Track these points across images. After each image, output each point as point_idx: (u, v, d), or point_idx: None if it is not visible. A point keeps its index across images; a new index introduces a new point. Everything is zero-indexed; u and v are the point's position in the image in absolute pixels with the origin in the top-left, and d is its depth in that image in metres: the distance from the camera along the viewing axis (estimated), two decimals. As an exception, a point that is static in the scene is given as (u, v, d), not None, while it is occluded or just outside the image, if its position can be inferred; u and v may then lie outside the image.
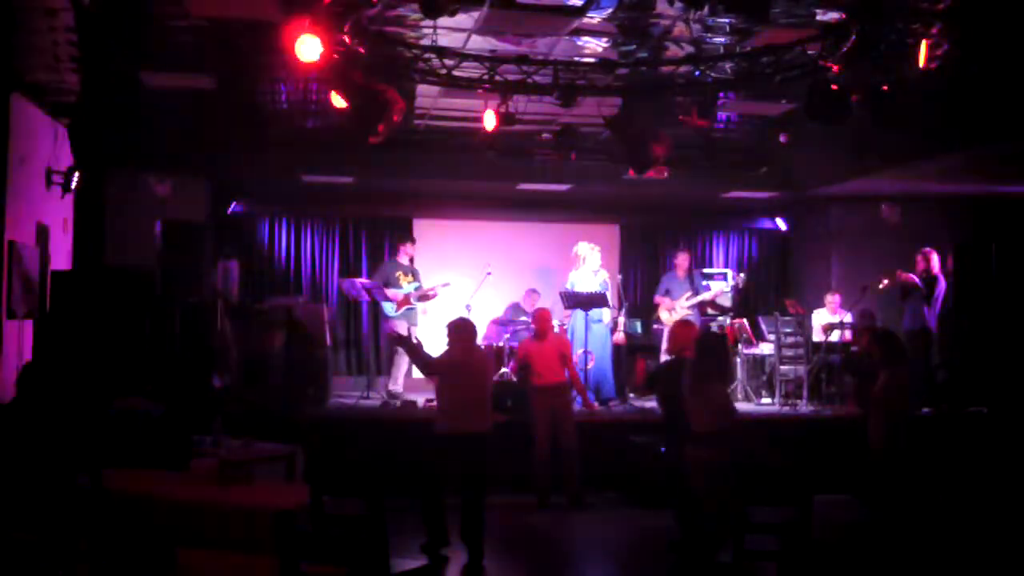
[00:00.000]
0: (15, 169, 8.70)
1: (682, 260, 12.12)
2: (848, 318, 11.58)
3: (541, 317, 9.35)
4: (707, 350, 6.88)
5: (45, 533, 4.03)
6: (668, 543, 7.36)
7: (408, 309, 11.08)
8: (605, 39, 8.25)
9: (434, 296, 11.33)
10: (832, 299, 12.12)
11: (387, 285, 11.06)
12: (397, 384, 11.04)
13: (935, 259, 11.08)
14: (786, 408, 11.15)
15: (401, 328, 11.02)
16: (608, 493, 9.40)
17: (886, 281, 11.13)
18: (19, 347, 8.87)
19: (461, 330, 7.49)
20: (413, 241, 11.75)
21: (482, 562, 7.08)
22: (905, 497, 6.12)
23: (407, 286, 11.11)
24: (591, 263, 11.30)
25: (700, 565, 6.62)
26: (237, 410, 9.15)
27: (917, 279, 10.98)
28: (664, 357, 11.79)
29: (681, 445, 6.78)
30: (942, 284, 11.07)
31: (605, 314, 11.24)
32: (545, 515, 8.82)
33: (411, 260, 11.48)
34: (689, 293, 11.73)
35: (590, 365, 10.74)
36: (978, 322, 12.08)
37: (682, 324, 8.40)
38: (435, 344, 12.72)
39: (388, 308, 11.04)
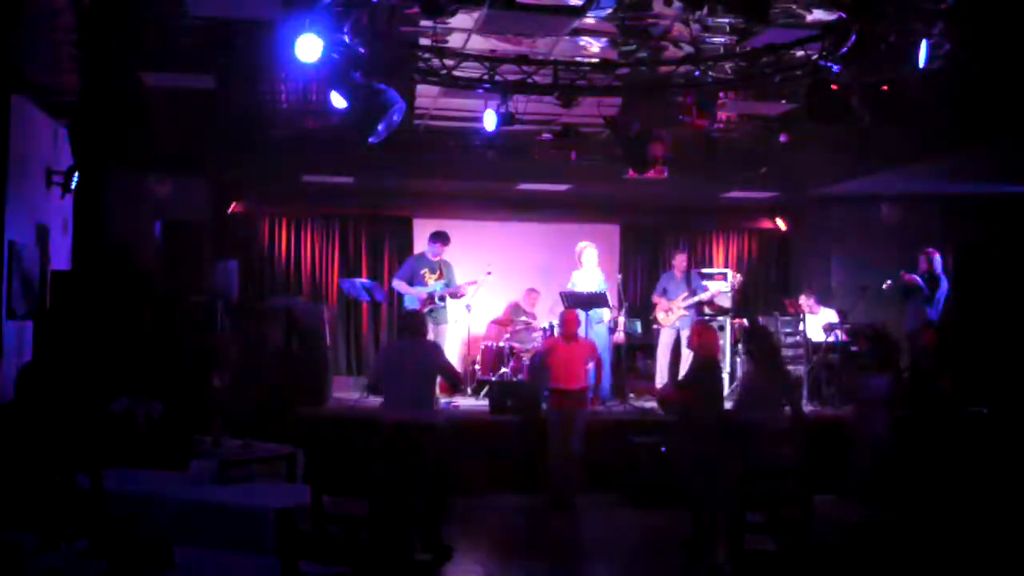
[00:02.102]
0: (15, 169, 8.70)
1: (680, 260, 12.11)
2: (834, 315, 11.61)
3: (570, 320, 9.27)
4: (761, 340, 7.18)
5: (45, 533, 4.03)
6: (682, 542, 7.46)
7: (432, 309, 10.67)
8: (605, 39, 8.25)
9: (463, 295, 11.11)
10: (807, 300, 12.08)
11: (411, 283, 10.86)
12: None
13: (938, 259, 11.09)
14: (786, 408, 11.11)
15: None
16: (608, 493, 9.40)
17: (889, 282, 11.14)
18: (19, 347, 8.87)
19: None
20: (445, 241, 11.11)
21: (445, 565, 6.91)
22: (905, 497, 6.12)
23: (433, 284, 10.86)
24: (586, 261, 11.28)
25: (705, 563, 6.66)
26: (236, 409, 9.16)
27: (919, 280, 10.99)
28: (663, 357, 11.86)
29: (727, 443, 6.91)
30: (944, 284, 11.08)
31: (605, 314, 11.23)
32: (545, 515, 8.82)
33: (437, 257, 11.03)
34: (686, 293, 11.73)
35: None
36: (978, 322, 12.08)
37: (707, 328, 8.43)
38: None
39: (411, 305, 10.79)
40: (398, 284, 11.01)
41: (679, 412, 8.00)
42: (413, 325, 7.70)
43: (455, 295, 11.01)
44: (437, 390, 7.78)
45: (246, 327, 10.93)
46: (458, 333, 11.62)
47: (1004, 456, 9.21)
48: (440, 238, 11.13)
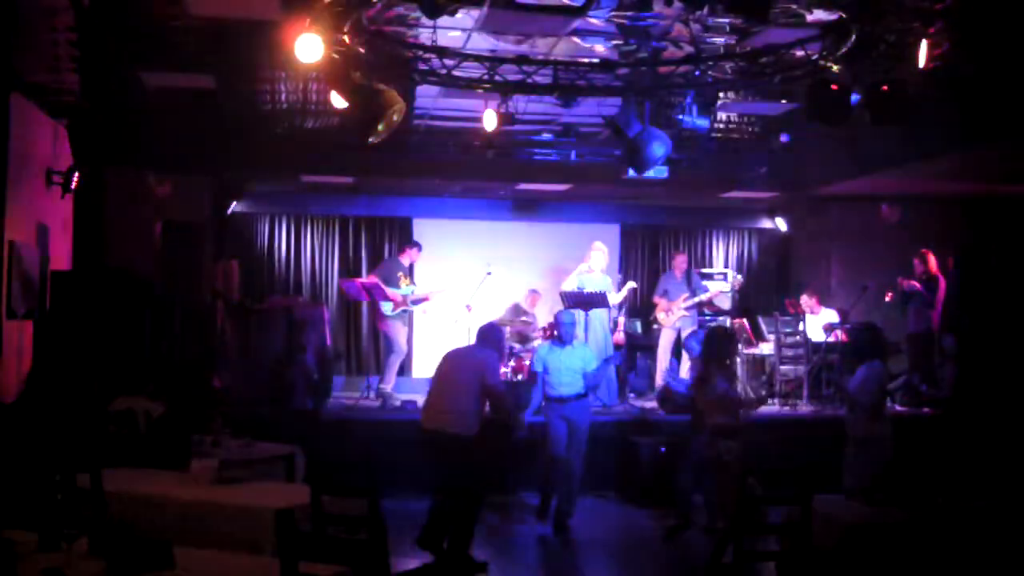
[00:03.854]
0: (15, 169, 8.70)
1: (680, 261, 12.12)
2: (834, 315, 11.61)
3: (562, 323, 8.49)
4: (709, 343, 7.14)
5: (45, 533, 4.03)
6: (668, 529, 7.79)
7: (403, 311, 11.11)
8: (606, 39, 8.26)
9: (428, 300, 11.33)
10: (809, 301, 12.07)
11: (387, 283, 11.04)
12: (387, 385, 11.03)
13: (933, 260, 11.09)
14: (786, 408, 11.15)
15: (397, 329, 11.05)
16: (608, 493, 9.39)
17: (891, 294, 11.15)
18: (19, 347, 8.86)
19: (481, 328, 7.46)
20: (419, 248, 11.62)
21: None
22: (905, 497, 6.11)
23: (405, 288, 11.11)
24: (595, 265, 11.25)
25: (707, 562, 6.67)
26: (237, 409, 9.15)
27: (918, 284, 10.99)
28: (663, 357, 11.86)
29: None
30: (943, 284, 11.08)
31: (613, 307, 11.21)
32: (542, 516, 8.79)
33: (411, 263, 11.45)
34: (687, 294, 11.72)
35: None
36: (978, 322, 12.07)
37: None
38: (429, 344, 12.76)
39: (386, 307, 11.05)
40: (374, 283, 11.19)
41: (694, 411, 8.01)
42: (487, 335, 7.34)
43: (422, 300, 11.27)
44: (479, 404, 7.12)
45: (246, 327, 10.93)
46: (458, 334, 11.58)
47: (1004, 456, 9.22)
48: (416, 246, 11.65)
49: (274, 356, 10.31)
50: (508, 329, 12.00)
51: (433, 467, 7.13)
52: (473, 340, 7.58)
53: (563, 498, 8.27)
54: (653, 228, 14.63)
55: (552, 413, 8.33)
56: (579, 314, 10.70)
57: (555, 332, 8.49)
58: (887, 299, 11.18)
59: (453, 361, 7.29)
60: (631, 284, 11.84)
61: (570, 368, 8.26)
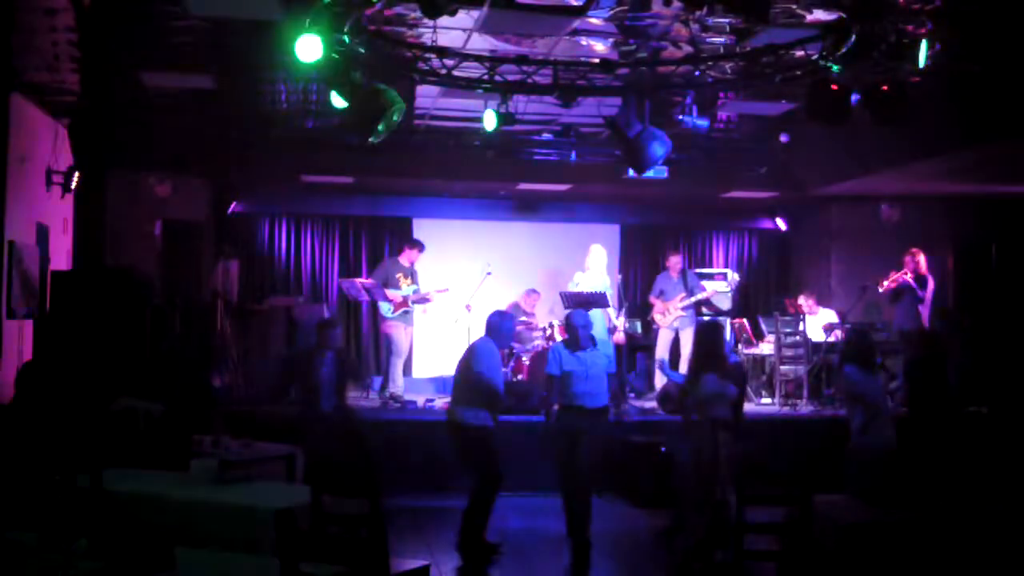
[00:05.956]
0: (15, 169, 8.70)
1: (675, 261, 12.09)
2: (834, 315, 11.61)
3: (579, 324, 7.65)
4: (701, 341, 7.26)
5: (45, 533, 4.03)
6: (665, 531, 7.74)
7: (405, 312, 11.04)
8: (605, 39, 8.25)
9: (430, 301, 11.31)
10: (807, 301, 12.07)
11: (386, 284, 11.02)
12: (397, 387, 11.01)
13: (923, 258, 11.13)
14: (786, 408, 11.15)
15: (398, 331, 11.00)
16: (608, 493, 9.38)
17: (884, 282, 11.17)
18: (19, 347, 8.87)
19: (488, 319, 7.78)
20: (422, 248, 11.50)
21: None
22: (905, 497, 6.12)
23: (406, 288, 11.07)
24: (591, 264, 11.25)
25: (697, 563, 6.68)
26: (237, 409, 9.14)
27: (911, 279, 11.03)
28: (660, 357, 11.85)
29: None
30: (931, 283, 11.13)
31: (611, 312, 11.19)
32: (543, 515, 8.78)
33: (412, 263, 11.39)
34: (683, 294, 11.70)
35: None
36: (978, 322, 12.08)
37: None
38: (429, 344, 12.77)
39: (385, 309, 11.01)
40: (373, 283, 11.15)
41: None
42: (490, 324, 7.70)
43: (423, 300, 11.20)
44: (479, 395, 7.35)
45: (246, 327, 10.94)
46: (458, 333, 11.60)
47: (1004, 456, 9.22)
48: (417, 245, 11.51)
49: (299, 356, 10.23)
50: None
51: (457, 458, 7.50)
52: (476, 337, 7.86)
53: (580, 506, 7.67)
54: (653, 228, 14.64)
55: (571, 423, 7.48)
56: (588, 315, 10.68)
57: (571, 335, 7.62)
58: (881, 288, 11.20)
59: (463, 354, 7.67)
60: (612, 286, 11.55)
61: (596, 375, 7.49)
